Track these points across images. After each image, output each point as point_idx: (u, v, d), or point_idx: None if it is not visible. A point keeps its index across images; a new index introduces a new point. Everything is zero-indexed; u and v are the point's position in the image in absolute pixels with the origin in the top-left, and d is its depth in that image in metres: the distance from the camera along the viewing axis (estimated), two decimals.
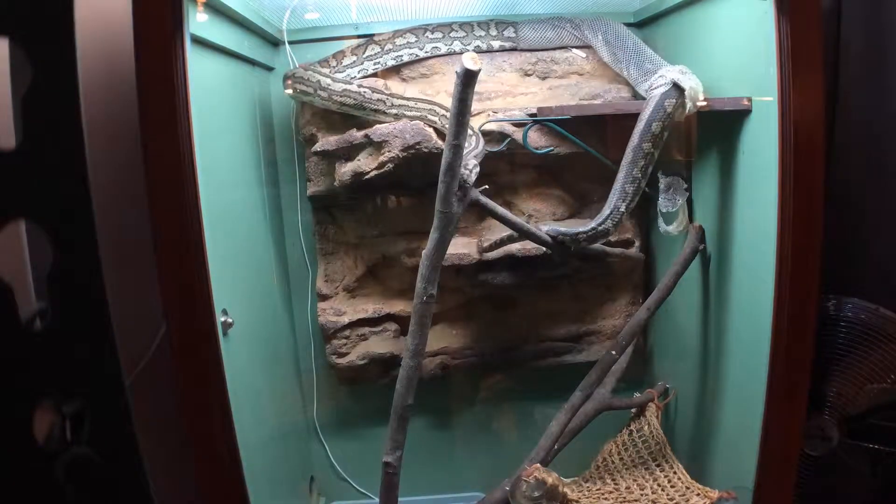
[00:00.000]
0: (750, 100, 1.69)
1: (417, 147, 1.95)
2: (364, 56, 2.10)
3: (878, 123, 1.88)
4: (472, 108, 1.65)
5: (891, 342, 1.74)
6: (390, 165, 1.98)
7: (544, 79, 2.20)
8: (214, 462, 1.50)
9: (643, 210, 2.25)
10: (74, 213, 1.02)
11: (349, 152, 2.05)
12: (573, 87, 2.16)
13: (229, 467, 1.52)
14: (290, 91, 2.03)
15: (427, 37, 2.13)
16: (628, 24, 2.27)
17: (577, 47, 2.19)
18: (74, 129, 1.00)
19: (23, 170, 0.98)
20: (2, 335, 0.95)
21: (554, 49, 2.20)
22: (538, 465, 1.81)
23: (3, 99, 1.00)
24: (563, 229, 1.91)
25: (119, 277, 1.11)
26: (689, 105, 1.78)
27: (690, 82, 1.78)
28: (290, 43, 2.11)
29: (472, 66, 1.53)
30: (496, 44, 2.18)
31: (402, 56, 2.13)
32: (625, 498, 1.92)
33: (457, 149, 1.63)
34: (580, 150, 2.03)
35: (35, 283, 1.06)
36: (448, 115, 1.69)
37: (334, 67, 2.07)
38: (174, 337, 1.43)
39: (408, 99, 2.03)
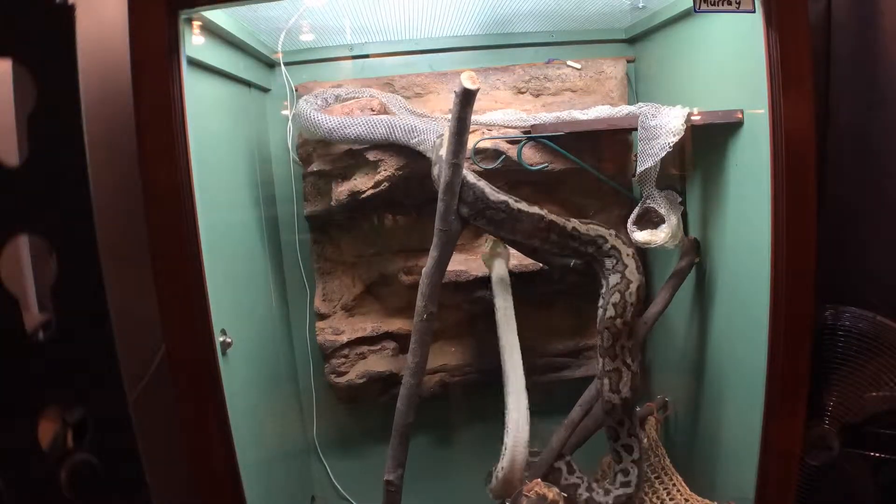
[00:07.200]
0: (742, 113, 1.70)
1: (413, 165, 1.96)
2: None
3: (872, 133, 1.89)
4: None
5: (889, 350, 1.74)
6: (386, 184, 1.99)
7: (538, 96, 2.22)
8: (215, 483, 1.50)
9: None
10: (77, 227, 1.03)
11: (345, 171, 2.06)
12: (566, 103, 2.18)
13: (230, 488, 1.52)
14: None
15: None
16: (620, 41, 2.31)
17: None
18: (76, 147, 1.02)
19: (27, 186, 0.99)
20: (9, 345, 0.97)
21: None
22: (539, 480, 1.81)
23: (5, 118, 1.02)
24: None
25: (120, 293, 1.12)
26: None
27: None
28: (286, 64, 2.13)
29: (470, 86, 1.54)
30: None
31: None
32: None
33: (456, 167, 1.64)
34: (574, 165, 2.04)
35: (38, 296, 1.08)
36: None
37: None
38: (173, 357, 1.43)
39: None
